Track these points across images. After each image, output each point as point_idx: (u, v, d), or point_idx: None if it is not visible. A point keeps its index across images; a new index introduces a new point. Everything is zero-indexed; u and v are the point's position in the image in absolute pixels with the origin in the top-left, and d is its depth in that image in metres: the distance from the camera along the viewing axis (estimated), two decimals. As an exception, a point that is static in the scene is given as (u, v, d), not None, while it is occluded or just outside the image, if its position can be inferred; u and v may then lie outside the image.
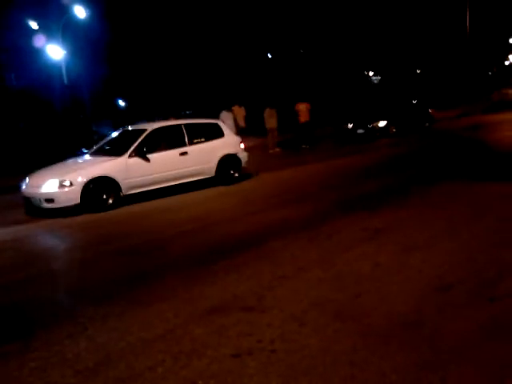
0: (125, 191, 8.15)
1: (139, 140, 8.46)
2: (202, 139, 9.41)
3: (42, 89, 22.08)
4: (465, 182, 7.22)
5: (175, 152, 8.87)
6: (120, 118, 31.15)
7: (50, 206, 7.59)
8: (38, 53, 21.61)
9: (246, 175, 10.07)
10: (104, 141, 9.85)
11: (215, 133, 9.70)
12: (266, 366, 2.71)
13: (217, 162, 9.44)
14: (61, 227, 7.08)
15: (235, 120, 13.88)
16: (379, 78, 36.53)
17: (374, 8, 29.86)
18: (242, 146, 10.07)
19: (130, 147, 8.37)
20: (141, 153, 8.35)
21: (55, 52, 20.43)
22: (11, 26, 21.17)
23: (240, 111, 14.53)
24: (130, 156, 8.29)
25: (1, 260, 5.54)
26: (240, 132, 13.07)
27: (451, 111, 25.76)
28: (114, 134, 9.90)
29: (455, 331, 2.92)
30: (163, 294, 3.92)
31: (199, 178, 9.27)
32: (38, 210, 7.78)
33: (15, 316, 3.86)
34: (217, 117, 13.36)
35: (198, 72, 28.99)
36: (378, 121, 16.93)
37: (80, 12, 20.33)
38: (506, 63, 47.94)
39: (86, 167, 8.13)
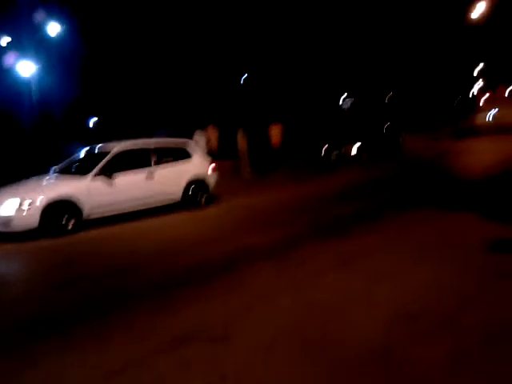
0: (86, 215, 7.77)
1: (104, 161, 8.13)
2: (170, 162, 9.14)
3: (11, 106, 21.58)
4: (433, 210, 7.30)
5: (141, 174, 8.56)
6: (90, 137, 30.67)
7: (6, 228, 7.21)
8: (7, 70, 21.17)
9: (213, 199, 9.87)
10: (68, 161, 9.43)
11: (183, 155, 9.43)
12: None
13: (184, 186, 9.16)
14: (14, 252, 6.81)
15: (208, 140, 13.89)
16: (352, 100, 37.31)
17: (347, 33, 30.68)
18: (211, 169, 9.80)
19: (93, 168, 8.02)
20: (105, 174, 8.01)
21: (25, 69, 20.05)
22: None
23: (214, 132, 14.57)
24: (94, 177, 7.94)
25: None
26: (212, 154, 13.04)
27: (420, 135, 26.50)
28: (80, 154, 9.50)
29: (422, 359, 2.90)
30: (124, 325, 3.78)
31: (165, 201, 8.94)
32: None
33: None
34: (191, 136, 13.34)
35: (173, 92, 28.98)
36: (352, 144, 17.22)
37: (53, 29, 20.11)
38: (474, 91, 49.90)
39: (46, 188, 7.78)
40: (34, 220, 7.18)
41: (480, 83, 49.57)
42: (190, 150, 9.64)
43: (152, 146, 9.01)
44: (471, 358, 2.91)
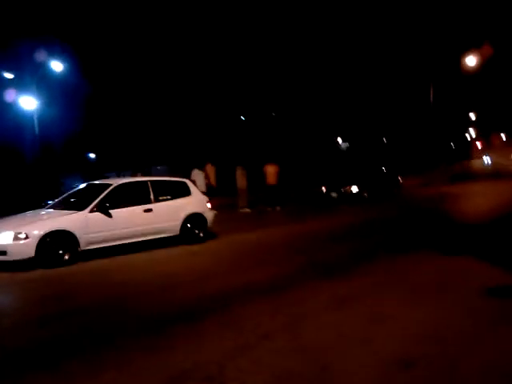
0: (83, 246, 7.90)
1: (102, 195, 8.33)
2: (169, 197, 9.32)
3: (13, 138, 21.83)
4: (430, 253, 7.30)
5: (139, 208, 8.72)
6: (89, 171, 30.88)
7: (1, 258, 7.29)
8: (10, 104, 21.55)
9: (211, 235, 9.91)
10: (67, 194, 9.65)
11: (182, 191, 9.65)
12: None
13: (182, 221, 9.26)
14: (8, 282, 6.76)
15: (207, 178, 14.01)
16: (347, 144, 37.97)
17: (343, 78, 31.51)
18: (209, 205, 9.96)
19: (92, 202, 8.20)
20: (103, 208, 8.18)
21: (28, 103, 20.45)
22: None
23: (212, 170, 14.69)
24: (92, 211, 8.11)
25: None
26: (210, 191, 13.16)
27: (416, 178, 26.77)
28: (78, 188, 9.78)
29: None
30: (116, 363, 3.69)
31: (163, 235, 9.06)
32: None
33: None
34: (188, 173, 13.50)
35: (172, 128, 29.41)
36: (351, 185, 17.49)
37: (56, 66, 20.64)
38: (467, 135, 50.88)
39: (44, 220, 7.97)
40: (30, 250, 7.31)
41: (474, 129, 50.62)
42: (188, 185, 9.88)
43: (151, 183, 9.24)
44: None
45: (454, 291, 5.21)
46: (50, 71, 21.03)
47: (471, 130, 50.35)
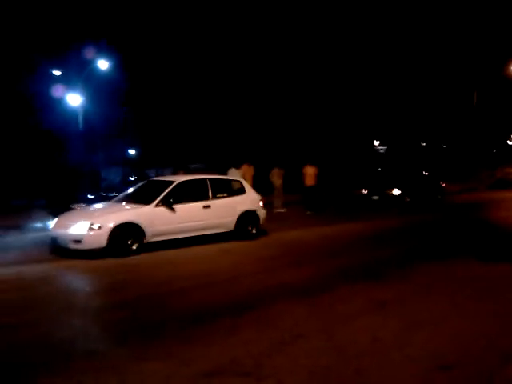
0: (148, 238, 8.39)
1: (167, 191, 8.83)
2: (225, 194, 9.80)
3: (59, 134, 22.71)
4: (471, 260, 7.19)
5: (199, 204, 9.20)
6: (129, 167, 31.73)
7: (76, 246, 7.81)
8: (58, 99, 22.45)
9: (262, 232, 10.22)
10: (131, 189, 10.22)
11: (237, 189, 10.17)
12: None
13: (237, 217, 9.68)
14: (79, 270, 7.29)
15: (243, 177, 14.13)
16: (385, 148, 37.38)
17: (384, 79, 31.05)
18: (261, 203, 10.37)
19: (157, 197, 8.70)
20: (167, 203, 8.68)
21: (74, 99, 21.30)
22: (38, 73, 22.18)
23: (249, 170, 14.80)
24: (157, 205, 8.61)
25: (15, 298, 5.62)
26: None
27: (458, 185, 26.10)
28: (140, 184, 10.37)
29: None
30: (159, 353, 3.84)
31: (219, 231, 9.51)
32: (63, 250, 8.01)
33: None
34: (225, 172, 13.71)
35: (211, 127, 29.79)
36: (393, 189, 17.25)
37: (102, 64, 21.37)
38: (510, 142, 49.00)
39: (115, 213, 8.49)
40: (102, 240, 7.83)
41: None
42: (243, 184, 10.47)
43: (210, 180, 9.74)
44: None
45: (493, 299, 5.12)
46: (96, 69, 21.79)
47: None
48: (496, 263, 6.83)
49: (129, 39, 26.62)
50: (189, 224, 8.93)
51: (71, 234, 7.85)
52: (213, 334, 4.23)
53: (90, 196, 18.24)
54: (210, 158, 29.77)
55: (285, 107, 30.47)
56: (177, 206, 8.76)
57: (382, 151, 38.10)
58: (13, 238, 10.21)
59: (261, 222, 10.17)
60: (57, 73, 23.00)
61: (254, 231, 9.94)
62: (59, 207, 13.75)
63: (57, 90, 22.19)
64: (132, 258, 7.89)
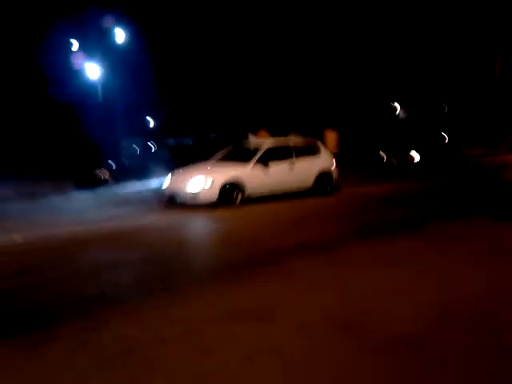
0: (247, 193, 9.69)
1: (260, 153, 10.15)
2: (305, 156, 10.89)
3: (79, 104, 23.04)
4: (486, 219, 7.37)
5: (285, 165, 10.42)
6: (150, 137, 32.14)
7: (193, 200, 9.23)
8: (77, 71, 22.65)
9: (335, 188, 11.43)
10: (222, 152, 11.35)
11: (314, 151, 11.22)
12: (272, 369, 2.92)
13: (315, 176, 10.86)
14: (200, 218, 8.81)
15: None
16: (405, 111, 36.68)
17: (406, 42, 30.26)
18: (334, 163, 11.35)
19: (252, 158, 10.02)
20: (261, 163, 9.99)
21: (93, 71, 21.50)
22: (55, 44, 22.32)
23: (266, 136, 14.97)
24: (254, 165, 9.95)
25: (158, 237, 7.07)
26: None
27: (480, 148, 25.60)
28: (229, 149, 11.47)
29: (451, 350, 3.08)
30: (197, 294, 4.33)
31: (300, 189, 10.70)
32: (176, 203, 9.51)
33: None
34: (243, 139, 13.97)
35: (227, 95, 29.72)
36: (411, 152, 17.24)
37: (120, 35, 21.46)
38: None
39: (223, 171, 9.79)
40: (215, 194, 9.29)
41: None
42: (319, 145, 11.41)
43: (291, 143, 10.95)
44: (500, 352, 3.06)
45: (503, 256, 5.29)
46: (115, 40, 21.88)
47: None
48: (510, 223, 6.95)
49: (148, 8, 26.44)
50: (277, 181, 10.17)
51: (188, 190, 9.25)
52: (249, 279, 4.73)
53: (111, 163, 18.86)
54: (226, 127, 29.86)
55: (302, 72, 30.06)
56: (268, 167, 10.05)
57: (402, 115, 37.44)
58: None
59: (334, 180, 11.28)
60: (75, 43, 23.12)
61: (328, 188, 11.08)
62: (83, 176, 14.49)
63: (76, 60, 22.35)
64: (237, 208, 9.33)
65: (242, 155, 10.40)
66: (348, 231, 6.98)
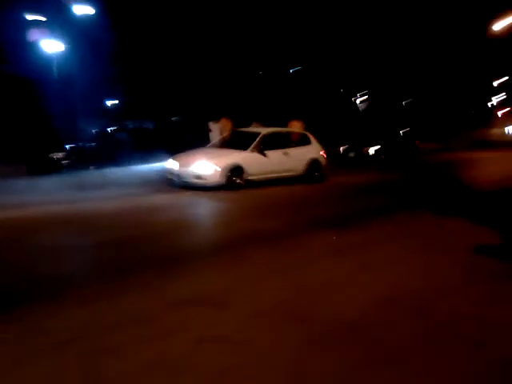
0: (245, 177, 10.32)
1: (257, 139, 10.86)
2: (298, 146, 11.74)
3: (35, 81, 22.08)
4: (431, 213, 7.76)
5: (280, 152, 11.13)
6: (108, 118, 31.23)
7: (198, 181, 9.88)
8: (33, 45, 21.67)
9: (323, 177, 12.14)
10: (221, 138, 12.31)
11: (305, 140, 12.08)
12: (222, 353, 3.04)
13: (306, 164, 11.64)
14: (213, 198, 9.44)
15: (221, 131, 14.38)
16: (366, 105, 37.46)
17: (366, 39, 30.79)
18: (322, 153, 12.21)
19: (250, 144, 10.71)
20: (259, 149, 10.72)
21: (50, 46, 20.62)
22: (8, 18, 21.24)
23: (227, 124, 15.00)
24: (252, 151, 10.64)
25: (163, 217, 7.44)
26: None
27: (435, 144, 26.67)
28: (228, 135, 12.30)
29: (390, 336, 3.30)
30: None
31: (293, 175, 11.40)
32: (176, 184, 10.19)
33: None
34: (204, 125, 14.03)
35: (189, 81, 29.34)
36: (369, 147, 17.71)
37: (79, 10, 20.69)
38: (490, 104, 49.55)
39: (227, 156, 10.49)
40: (220, 177, 9.96)
41: (500, 96, 49.20)
42: (309, 137, 12.17)
43: (285, 132, 12.05)
44: (437, 338, 3.30)
45: (444, 247, 5.65)
46: (73, 15, 21.08)
47: (494, 98, 49.00)
48: (452, 217, 7.35)
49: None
50: (274, 167, 10.88)
51: (195, 172, 9.89)
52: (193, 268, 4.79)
53: (67, 146, 18.14)
54: (188, 111, 29.50)
55: (264, 61, 30.08)
56: (265, 152, 10.74)
57: (362, 108, 38.24)
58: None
59: (322, 168, 12.09)
60: (30, 17, 22.08)
61: (317, 174, 11.92)
62: (36, 159, 13.82)
63: (32, 33, 21.36)
64: (238, 191, 9.98)
65: (242, 141, 11.07)
66: (310, 221, 7.33)
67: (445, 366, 2.91)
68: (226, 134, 14.74)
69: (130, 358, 2.94)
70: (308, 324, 3.49)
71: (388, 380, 2.78)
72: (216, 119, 14.64)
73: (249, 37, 28.10)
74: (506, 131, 47.70)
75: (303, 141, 12.03)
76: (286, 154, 11.22)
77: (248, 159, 10.52)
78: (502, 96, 47.48)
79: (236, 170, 10.19)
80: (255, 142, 10.77)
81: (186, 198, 9.53)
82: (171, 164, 10.59)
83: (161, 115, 30.03)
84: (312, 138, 12.21)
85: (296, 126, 15.99)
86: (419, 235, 6.34)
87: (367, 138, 18.71)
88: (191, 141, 16.83)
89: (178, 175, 10.23)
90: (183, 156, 10.80)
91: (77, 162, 14.64)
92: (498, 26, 24.68)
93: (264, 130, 11.50)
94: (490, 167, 16.19)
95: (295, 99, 28.29)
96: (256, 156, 10.67)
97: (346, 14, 29.24)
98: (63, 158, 14.69)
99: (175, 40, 27.81)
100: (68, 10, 20.89)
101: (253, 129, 11.91)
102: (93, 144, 20.42)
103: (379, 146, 17.88)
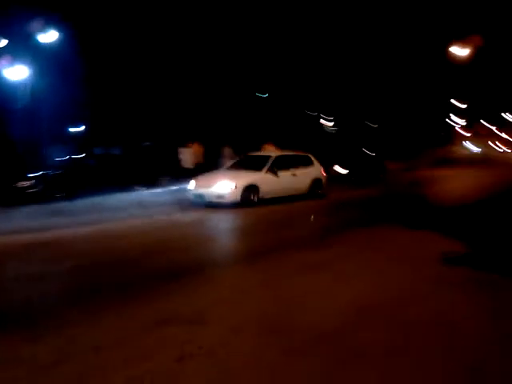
0: (261, 195, 11.44)
1: (270, 162, 12.04)
2: (302, 166, 12.95)
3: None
4: (400, 227, 8.10)
5: (289, 172, 12.35)
6: (75, 144, 30.78)
7: (219, 201, 10.92)
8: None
9: (323, 195, 13.35)
10: (235, 161, 13.29)
11: (308, 162, 13.37)
12: (204, 368, 3.08)
13: (310, 183, 12.93)
14: (234, 213, 10.39)
15: (193, 155, 14.65)
16: (333, 127, 38.40)
17: (332, 64, 31.78)
18: (323, 172, 13.61)
19: (264, 166, 11.87)
20: (272, 170, 11.88)
21: (13, 73, 20.36)
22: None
23: (199, 149, 15.27)
24: (266, 172, 11.78)
25: (192, 230, 8.42)
26: (198, 167, 13.99)
27: (401, 163, 27.52)
28: (240, 159, 13.39)
29: (364, 341, 3.42)
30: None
31: (298, 193, 12.58)
32: (200, 204, 11.15)
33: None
34: (175, 151, 14.18)
35: (159, 106, 29.43)
36: (336, 166, 18.35)
37: (48, 36, 20.65)
38: (452, 123, 51.67)
39: (243, 177, 11.49)
40: (238, 195, 11.00)
41: (459, 119, 51.29)
42: (311, 158, 13.42)
43: (292, 154, 13.28)
44: (406, 347, 3.44)
45: (413, 258, 5.88)
46: (40, 42, 20.98)
47: (455, 117, 51.15)
48: (419, 230, 7.67)
49: (81, 9, 25.55)
50: (283, 186, 12.03)
51: (214, 192, 10.95)
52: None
53: (32, 174, 17.67)
54: (158, 137, 29.46)
55: (232, 87, 30.56)
56: (277, 173, 11.91)
57: (330, 131, 39.20)
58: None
59: (323, 186, 13.42)
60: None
61: (319, 192, 13.20)
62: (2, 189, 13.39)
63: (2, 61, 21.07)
64: (254, 208, 10.98)
65: (255, 163, 12.23)
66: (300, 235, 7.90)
67: (415, 370, 3.06)
68: (199, 157, 15.01)
69: (116, 378, 2.95)
70: (286, 333, 3.58)
71: (365, 378, 2.91)
72: (187, 144, 14.84)
73: (217, 63, 28.53)
74: (469, 149, 49.65)
75: (306, 162, 13.30)
76: (293, 174, 12.40)
77: (262, 179, 11.64)
78: (463, 116, 49.52)
79: (252, 189, 11.25)
80: (268, 164, 11.92)
81: (209, 215, 10.42)
82: (193, 185, 11.63)
83: (129, 141, 29.80)
84: (314, 160, 13.46)
85: (269, 149, 16.49)
86: (391, 246, 6.59)
87: (336, 159, 19.31)
88: (162, 166, 16.88)
89: (201, 195, 11.26)
90: (204, 178, 11.90)
91: (45, 191, 14.24)
92: (458, 50, 26.07)
93: (274, 154, 12.90)
94: (451, 184, 16.90)
95: (265, 123, 28.76)
96: (269, 176, 11.81)
97: (311, 40, 30.10)
98: (30, 187, 14.27)
99: (143, 65, 27.94)
100: (32, 36, 20.78)
101: (263, 152, 13.51)
102: (59, 172, 19.86)
103: (346, 166, 18.52)
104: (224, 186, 10.99)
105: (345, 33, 30.94)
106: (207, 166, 15.36)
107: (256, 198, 11.31)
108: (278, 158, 12.40)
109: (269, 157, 12.38)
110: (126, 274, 5.49)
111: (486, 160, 34.44)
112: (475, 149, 48.67)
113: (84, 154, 27.90)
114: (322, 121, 37.00)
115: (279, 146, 16.84)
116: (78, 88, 26.54)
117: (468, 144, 48.66)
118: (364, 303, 4.24)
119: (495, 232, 7.50)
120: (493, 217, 8.97)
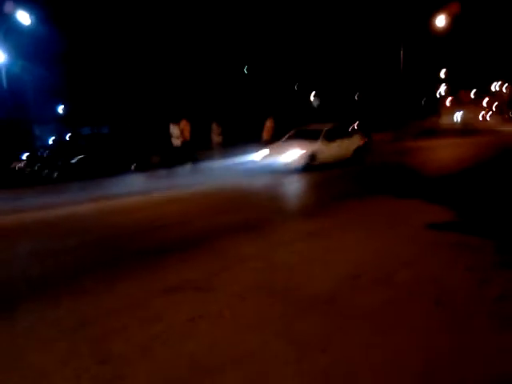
0: (317, 162, 13.40)
1: (323, 133, 14.08)
2: (348, 135, 15.34)
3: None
4: (388, 197, 8.42)
5: (338, 142, 14.36)
6: (61, 125, 30.59)
7: (287, 167, 12.98)
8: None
9: (363, 159, 15.32)
10: (290, 134, 15.08)
11: (351, 132, 16.19)
12: (214, 327, 3.41)
13: (353, 150, 15.06)
14: (298, 177, 12.28)
15: (182, 132, 14.68)
16: (318, 101, 38.46)
17: (318, 36, 31.64)
18: (362, 142, 15.70)
19: (319, 137, 13.87)
20: (325, 140, 13.89)
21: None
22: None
23: (187, 126, 15.29)
24: (321, 142, 13.76)
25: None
26: (185, 145, 14.15)
27: (386, 134, 27.81)
28: (293, 132, 15.16)
29: (359, 304, 3.75)
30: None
31: (346, 158, 14.66)
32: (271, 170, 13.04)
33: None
34: (165, 128, 14.27)
35: (145, 83, 29.21)
36: None
37: (24, 18, 20.30)
38: (437, 93, 51.95)
39: (305, 146, 13.38)
40: (304, 162, 13.17)
41: (444, 87, 51.54)
42: (354, 129, 15.77)
43: (340, 126, 15.60)
44: (398, 304, 3.78)
45: (402, 225, 6.21)
46: (19, 23, 20.63)
47: (441, 87, 51.40)
48: (407, 199, 8.03)
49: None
50: (334, 153, 14.03)
51: (284, 160, 13.05)
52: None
53: (24, 156, 17.75)
54: (144, 115, 29.36)
55: (220, 62, 30.38)
56: (330, 143, 13.92)
57: (315, 104, 39.33)
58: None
59: (364, 153, 15.47)
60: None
61: (361, 159, 15.14)
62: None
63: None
64: (314, 172, 12.82)
65: (310, 135, 14.07)
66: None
67: (408, 321, 3.41)
68: (186, 134, 15.04)
69: (138, 337, 3.27)
70: (285, 297, 3.90)
71: (360, 334, 3.25)
72: (176, 121, 14.89)
73: (205, 39, 28.27)
74: (453, 119, 50.08)
75: (350, 133, 15.81)
76: (340, 143, 14.33)
77: (318, 148, 13.53)
78: (445, 87, 49.76)
79: (312, 156, 13.21)
80: (322, 135, 13.90)
81: (281, 178, 12.19)
82: (264, 156, 13.60)
83: (117, 119, 29.74)
84: (355, 131, 16.39)
85: (269, 124, 16.63)
86: (383, 215, 6.93)
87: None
88: (152, 143, 16.99)
89: (269, 164, 13.14)
90: (273, 148, 13.88)
91: (40, 170, 14.34)
92: (441, 19, 26.19)
93: (325, 126, 14.62)
94: (437, 154, 17.32)
95: (253, 99, 28.78)
96: (323, 146, 13.71)
97: (295, 16, 29.92)
98: (25, 167, 14.35)
99: (131, 41, 27.60)
100: (12, 19, 20.40)
101: (315, 126, 15.16)
102: (48, 151, 19.87)
103: None
104: (294, 153, 13.00)
105: (327, 3, 30.73)
106: (195, 143, 15.48)
107: (314, 164, 13.19)
108: (328, 130, 14.31)
109: (321, 130, 14.24)
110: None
111: (472, 130, 34.91)
112: (460, 118, 49.17)
113: (70, 134, 27.79)
114: (311, 98, 36.99)
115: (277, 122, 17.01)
116: (60, 67, 26.20)
117: (454, 114, 49.03)
118: (356, 270, 4.54)
119: (478, 198, 7.93)
120: (476, 184, 9.43)
